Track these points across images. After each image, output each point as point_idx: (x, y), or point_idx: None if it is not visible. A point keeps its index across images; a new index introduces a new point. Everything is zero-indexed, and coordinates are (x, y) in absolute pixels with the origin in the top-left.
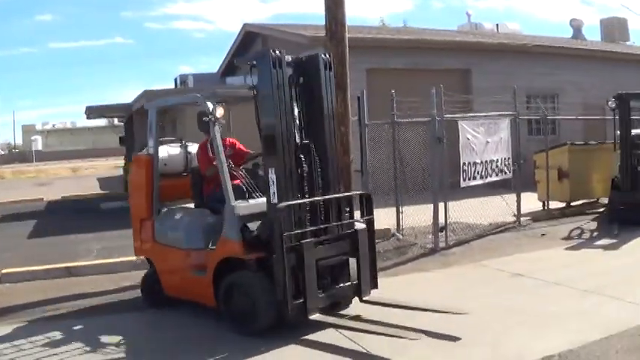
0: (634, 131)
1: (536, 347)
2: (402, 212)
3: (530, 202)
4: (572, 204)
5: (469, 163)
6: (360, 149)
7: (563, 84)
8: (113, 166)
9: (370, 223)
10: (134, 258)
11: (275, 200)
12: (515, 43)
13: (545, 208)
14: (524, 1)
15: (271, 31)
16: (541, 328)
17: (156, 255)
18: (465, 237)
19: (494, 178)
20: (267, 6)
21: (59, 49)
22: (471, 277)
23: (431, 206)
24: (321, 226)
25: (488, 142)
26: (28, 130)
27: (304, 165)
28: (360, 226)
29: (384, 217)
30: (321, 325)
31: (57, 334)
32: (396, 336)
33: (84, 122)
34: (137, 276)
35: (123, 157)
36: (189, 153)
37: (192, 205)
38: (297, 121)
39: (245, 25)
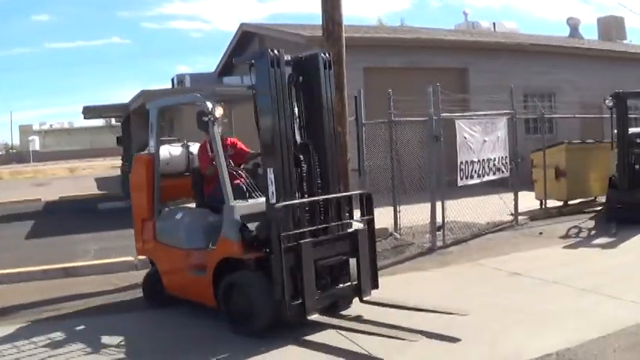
0: (631, 130)
1: (533, 346)
2: (399, 211)
3: (528, 200)
4: (569, 203)
5: (466, 162)
6: (358, 148)
7: (560, 83)
8: (111, 166)
9: (371, 222)
10: (132, 258)
11: (273, 200)
12: (512, 42)
13: (543, 206)
14: (522, 0)
15: (268, 30)
16: (539, 326)
17: (157, 255)
18: (462, 236)
19: (491, 177)
20: (265, 6)
21: (56, 50)
22: (469, 276)
23: (428, 205)
24: (320, 226)
25: (485, 140)
26: (26, 131)
27: (303, 165)
28: (359, 226)
29: (381, 217)
30: (321, 326)
31: (57, 335)
32: (394, 337)
33: (81, 122)
34: (135, 276)
35: (120, 157)
36: (191, 153)
37: (193, 205)
38: (297, 121)
39: (242, 24)
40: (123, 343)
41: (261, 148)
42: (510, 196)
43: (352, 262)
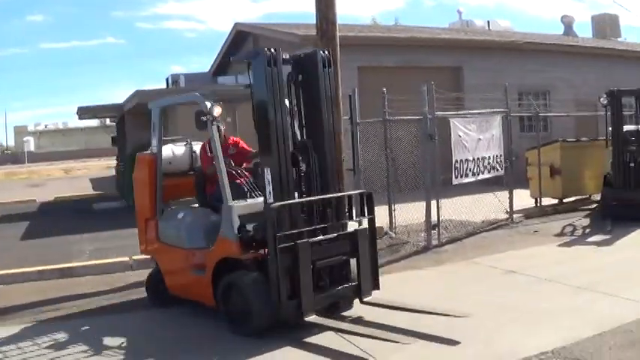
0: (626, 127)
1: (529, 344)
2: (394, 210)
3: (523, 199)
4: (564, 201)
5: (461, 160)
6: (352, 148)
7: (554, 81)
8: (105, 166)
9: (371, 222)
10: (127, 259)
11: (271, 200)
12: (507, 41)
13: (538, 204)
14: None
15: (262, 30)
16: (534, 324)
17: (159, 254)
18: (457, 234)
19: (486, 176)
20: (258, 5)
21: (51, 50)
22: (464, 274)
23: (423, 204)
24: (317, 226)
25: (480, 139)
26: (20, 132)
27: (302, 164)
28: (359, 225)
29: (376, 215)
30: (320, 327)
31: (58, 335)
32: (387, 340)
33: (76, 123)
34: (130, 276)
35: (115, 157)
36: (194, 152)
37: (196, 205)
38: (297, 120)
39: (236, 24)
40: (124, 343)
41: (259, 148)
42: (505, 194)
43: (353, 262)
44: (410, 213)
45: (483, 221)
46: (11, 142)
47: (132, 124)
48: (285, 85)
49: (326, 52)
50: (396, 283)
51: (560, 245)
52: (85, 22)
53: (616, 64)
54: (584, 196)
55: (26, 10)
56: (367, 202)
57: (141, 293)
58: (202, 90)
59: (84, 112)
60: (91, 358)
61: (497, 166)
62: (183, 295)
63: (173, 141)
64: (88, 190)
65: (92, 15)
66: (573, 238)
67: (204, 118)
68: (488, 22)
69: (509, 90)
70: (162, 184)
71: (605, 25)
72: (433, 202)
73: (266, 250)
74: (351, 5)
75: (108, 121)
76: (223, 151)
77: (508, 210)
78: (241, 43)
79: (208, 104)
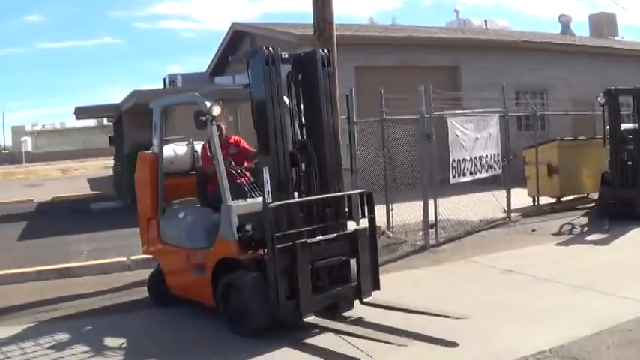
0: (623, 126)
1: (527, 343)
2: (391, 210)
3: (520, 198)
4: (562, 199)
5: (458, 159)
6: (350, 147)
7: (551, 80)
8: (103, 166)
9: (371, 222)
10: (125, 259)
11: (269, 199)
12: (504, 40)
13: (536, 203)
14: None
15: (260, 30)
16: (532, 323)
17: (161, 254)
18: (455, 234)
19: (483, 175)
20: (256, 5)
21: (48, 50)
22: (462, 273)
23: (421, 203)
24: (317, 226)
25: (477, 138)
26: (18, 132)
27: (302, 163)
28: (359, 225)
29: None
30: (322, 327)
31: (58, 335)
32: (383, 341)
33: (73, 123)
34: (128, 276)
35: (113, 157)
36: (196, 151)
37: (197, 205)
38: (297, 119)
39: (234, 24)
40: (125, 342)
41: (257, 147)
42: (503, 193)
43: (353, 262)
44: (407, 212)
45: (481, 220)
46: (9, 143)
47: (129, 124)
48: (283, 85)
49: (325, 51)
50: (394, 283)
51: (557, 244)
52: (83, 22)
53: (613, 63)
54: (581, 195)
55: (23, 11)
56: (367, 202)
57: (139, 293)
58: (204, 90)
59: (81, 112)
60: (92, 358)
61: (495, 165)
62: (183, 295)
63: (175, 140)
64: (85, 190)
65: (90, 15)
66: (571, 236)
67: (203, 118)
68: (486, 21)
69: (507, 89)
70: (164, 184)
71: (603, 24)
72: (431, 202)
73: (265, 250)
74: (349, 5)
75: (105, 121)
76: (224, 150)
77: (506, 209)
78: (239, 43)
79: (208, 104)
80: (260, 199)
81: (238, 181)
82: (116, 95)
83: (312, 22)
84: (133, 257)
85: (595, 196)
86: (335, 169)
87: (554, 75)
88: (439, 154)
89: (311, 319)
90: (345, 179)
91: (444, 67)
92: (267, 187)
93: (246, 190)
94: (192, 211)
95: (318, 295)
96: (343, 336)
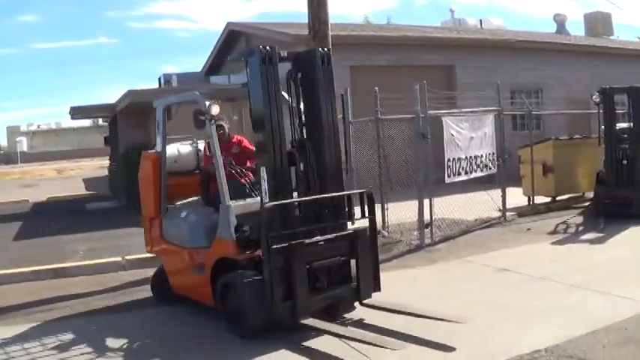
0: (618, 125)
1: (522, 342)
2: (387, 209)
3: (516, 197)
4: (557, 199)
5: (453, 159)
6: (345, 147)
7: (547, 79)
8: (98, 166)
9: (372, 222)
10: (120, 259)
11: (266, 199)
12: (499, 39)
13: (531, 202)
14: None
15: (255, 29)
16: (527, 323)
17: (163, 253)
18: (450, 233)
19: (478, 174)
20: (251, 5)
21: (43, 50)
22: (457, 273)
23: (416, 203)
24: (314, 226)
25: (472, 137)
26: (13, 132)
27: (300, 163)
28: (359, 226)
29: None
30: (319, 330)
31: (59, 335)
32: (378, 345)
33: (69, 123)
34: (123, 276)
35: (108, 157)
36: (200, 151)
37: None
38: (297, 118)
39: (229, 23)
40: (126, 341)
41: (255, 146)
42: (498, 192)
43: (353, 263)
44: (403, 212)
45: (476, 220)
46: (4, 143)
47: (124, 123)
48: (281, 83)
49: (325, 50)
50: (389, 283)
51: (553, 243)
52: (78, 22)
53: (608, 62)
54: (577, 194)
55: (18, 11)
56: (367, 202)
57: (135, 293)
58: (206, 89)
59: (76, 112)
60: (95, 358)
61: (490, 164)
62: (185, 294)
63: (179, 140)
64: (80, 190)
65: (84, 15)
66: (566, 235)
67: (202, 117)
68: (481, 20)
69: (502, 88)
70: (169, 183)
71: (598, 23)
72: (426, 201)
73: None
74: (343, 4)
75: (100, 121)
76: (226, 150)
77: (501, 208)
78: (234, 43)
79: (207, 103)
80: (259, 198)
81: (242, 180)
82: (111, 95)
83: (307, 21)
84: (128, 257)
85: (590, 195)
86: (335, 168)
87: (549, 74)
88: (434, 154)
89: (308, 321)
90: None
91: (439, 66)
92: (265, 187)
93: (247, 189)
94: (193, 210)
95: (316, 297)
96: (341, 338)
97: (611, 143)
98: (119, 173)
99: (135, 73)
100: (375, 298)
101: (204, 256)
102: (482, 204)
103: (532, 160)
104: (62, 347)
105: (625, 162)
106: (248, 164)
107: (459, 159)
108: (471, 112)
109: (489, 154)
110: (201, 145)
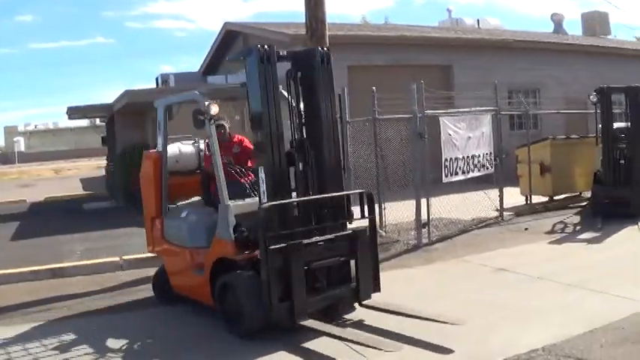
0: (616, 125)
1: (520, 342)
2: (384, 209)
3: (513, 196)
4: (554, 198)
5: (451, 158)
6: (342, 146)
7: (544, 79)
8: (96, 166)
9: (372, 222)
10: (117, 259)
11: (265, 199)
12: (496, 39)
13: (528, 202)
14: None
15: (252, 29)
16: (524, 322)
17: (164, 253)
18: (447, 233)
19: (476, 174)
20: (249, 5)
21: (40, 50)
22: (454, 272)
23: (413, 202)
24: (313, 227)
25: (469, 137)
26: (11, 132)
27: (299, 163)
28: (358, 226)
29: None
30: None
31: (57, 336)
32: (373, 347)
33: (66, 123)
34: (121, 276)
35: (105, 157)
36: (202, 150)
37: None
38: (297, 117)
39: (226, 23)
40: (127, 341)
41: (254, 146)
42: (495, 192)
43: (353, 263)
44: (400, 211)
45: (473, 219)
46: (1, 143)
47: (121, 123)
48: (280, 83)
49: (325, 49)
50: (386, 282)
51: (550, 243)
52: (75, 22)
53: (606, 62)
54: (574, 194)
55: (15, 10)
56: (367, 202)
57: (133, 293)
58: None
59: (74, 112)
60: (97, 358)
61: (487, 164)
62: (185, 294)
63: (181, 139)
64: (78, 190)
65: (82, 15)
66: (564, 235)
67: (201, 117)
68: (478, 20)
69: (499, 88)
70: (171, 183)
71: (595, 22)
72: (423, 201)
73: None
74: (341, 4)
75: (98, 121)
76: (227, 149)
77: (498, 208)
78: (231, 43)
79: (206, 103)
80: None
81: (242, 180)
82: (109, 95)
83: (304, 21)
84: (125, 257)
85: (588, 194)
86: (334, 168)
87: (546, 74)
88: (431, 153)
89: (307, 322)
90: None
91: (437, 66)
92: (263, 187)
93: (248, 189)
94: (194, 210)
95: (315, 297)
96: (338, 339)
97: (609, 143)
98: (116, 173)
99: (132, 73)
100: (374, 298)
101: (204, 257)
102: (480, 204)
103: (529, 159)
104: (63, 347)
105: (622, 162)
106: (249, 164)
107: (457, 159)
108: (469, 111)
109: (487, 153)
110: (203, 144)
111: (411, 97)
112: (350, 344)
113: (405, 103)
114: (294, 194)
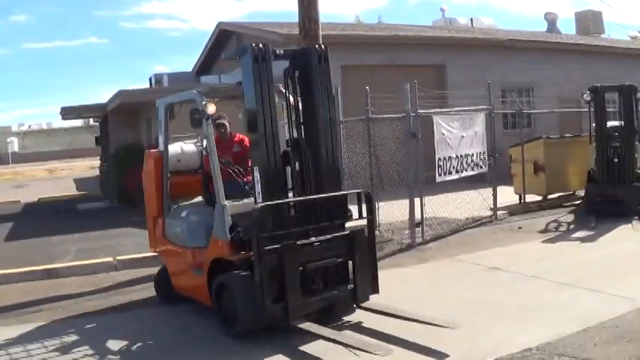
0: (609, 123)
1: (513, 341)
2: (378, 208)
3: (507, 195)
4: (548, 197)
5: (444, 157)
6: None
7: (538, 78)
8: (90, 166)
9: (370, 223)
10: (111, 259)
11: (260, 200)
12: (490, 38)
13: (522, 201)
14: None
15: (246, 29)
16: (518, 321)
17: (165, 252)
18: (441, 232)
19: (469, 173)
20: (242, 4)
21: (34, 50)
22: (448, 271)
23: (407, 202)
24: (309, 227)
25: (463, 136)
26: (4, 132)
27: (295, 162)
28: (356, 226)
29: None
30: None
31: (52, 336)
32: (364, 350)
33: (60, 123)
34: (115, 277)
35: (99, 157)
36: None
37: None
38: (294, 116)
39: (219, 23)
40: (127, 341)
41: (250, 146)
42: (489, 191)
43: (351, 264)
44: (394, 211)
45: (467, 218)
46: None
47: (115, 124)
48: (278, 81)
49: (322, 47)
50: (380, 282)
51: (544, 242)
52: (69, 22)
53: (599, 61)
54: (568, 193)
55: (9, 11)
56: (365, 202)
57: (128, 293)
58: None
59: (67, 113)
60: (95, 357)
61: (481, 163)
62: (185, 294)
63: (184, 138)
64: (72, 190)
65: (75, 15)
66: (557, 234)
67: (197, 116)
68: (472, 19)
69: (493, 87)
70: (173, 182)
71: (589, 21)
72: (417, 200)
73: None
74: (334, 3)
75: (91, 121)
76: (227, 149)
77: (492, 207)
78: (225, 43)
79: (203, 102)
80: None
81: (241, 180)
82: (103, 95)
83: (297, 21)
84: (119, 257)
85: (581, 193)
86: (331, 167)
87: (540, 73)
88: (425, 153)
89: (303, 325)
90: None
91: (430, 65)
92: (258, 187)
93: (247, 189)
94: (194, 210)
95: (310, 299)
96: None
97: (602, 141)
98: (110, 173)
99: (126, 73)
100: (372, 299)
101: (202, 256)
102: (474, 203)
103: (523, 158)
104: (61, 348)
105: (616, 160)
106: (249, 163)
107: (450, 158)
108: (462, 111)
109: (480, 152)
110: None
111: (404, 96)
112: (350, 348)
113: (398, 102)
114: (290, 194)
